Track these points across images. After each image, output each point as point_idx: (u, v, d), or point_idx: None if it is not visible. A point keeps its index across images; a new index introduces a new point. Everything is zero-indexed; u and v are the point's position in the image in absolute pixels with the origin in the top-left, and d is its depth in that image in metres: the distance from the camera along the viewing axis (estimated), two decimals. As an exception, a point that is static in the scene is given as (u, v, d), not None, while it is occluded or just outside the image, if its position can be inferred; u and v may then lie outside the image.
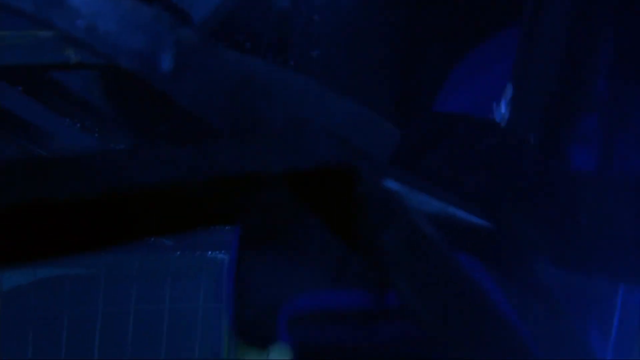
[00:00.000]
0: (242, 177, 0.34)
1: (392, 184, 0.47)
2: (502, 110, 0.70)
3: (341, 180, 0.39)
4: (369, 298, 0.71)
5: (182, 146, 0.35)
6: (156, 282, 2.13)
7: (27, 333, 2.10)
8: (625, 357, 0.76)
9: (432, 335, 0.42)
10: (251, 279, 0.85)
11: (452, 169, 0.63)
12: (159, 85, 0.52)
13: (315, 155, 0.42)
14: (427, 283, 0.42)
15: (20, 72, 0.88)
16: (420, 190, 0.53)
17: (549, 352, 0.61)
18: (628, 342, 0.76)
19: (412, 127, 0.67)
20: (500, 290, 0.62)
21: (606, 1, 0.75)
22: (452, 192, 0.60)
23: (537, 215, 0.64)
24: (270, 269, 0.83)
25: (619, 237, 0.67)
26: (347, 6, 0.80)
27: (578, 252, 0.67)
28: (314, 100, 0.62)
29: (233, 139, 0.50)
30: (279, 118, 0.49)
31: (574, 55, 0.75)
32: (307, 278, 0.79)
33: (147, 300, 2.12)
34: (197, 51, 0.50)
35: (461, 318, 0.42)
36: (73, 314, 2.10)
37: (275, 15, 0.87)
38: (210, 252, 2.11)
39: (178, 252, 2.04)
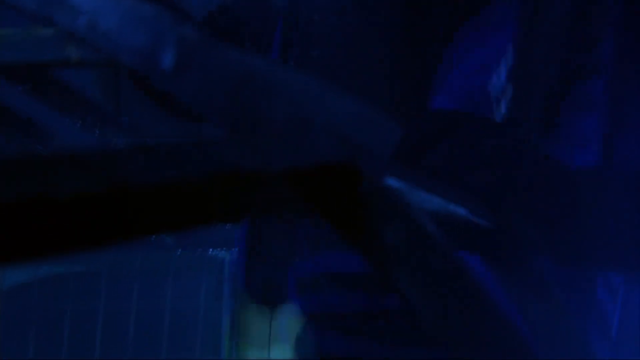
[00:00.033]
0: (243, 175, 0.34)
1: (393, 182, 0.47)
2: (502, 110, 0.70)
3: (342, 178, 0.39)
4: None
5: (183, 144, 0.35)
6: (157, 280, 2.13)
7: (29, 330, 2.10)
8: (626, 357, 0.76)
9: (433, 332, 0.42)
10: (262, 242, 0.85)
11: (452, 168, 0.63)
12: (160, 83, 0.52)
13: (317, 153, 0.42)
14: (428, 281, 0.42)
15: (22, 70, 0.88)
16: (421, 187, 0.53)
17: (549, 350, 0.61)
18: (628, 341, 0.76)
19: (413, 126, 0.67)
20: (501, 288, 0.62)
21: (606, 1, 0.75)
22: (453, 190, 0.60)
23: (537, 214, 0.64)
24: (280, 232, 0.83)
25: (619, 235, 0.67)
26: (347, 5, 0.80)
27: (578, 250, 0.67)
28: (315, 99, 0.62)
29: (234, 137, 0.50)
30: (281, 116, 0.49)
31: (574, 54, 0.75)
32: (317, 240, 0.80)
33: (148, 298, 2.12)
34: (199, 49, 0.50)
35: (462, 316, 0.42)
36: (74, 312, 2.10)
37: (275, 14, 0.87)
38: (211, 250, 2.11)
39: (179, 250, 2.04)
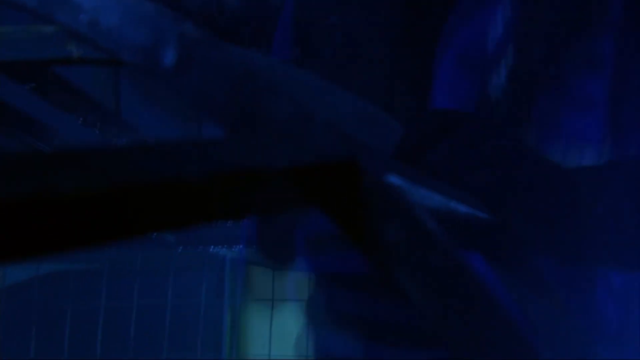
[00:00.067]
0: (244, 172, 0.34)
1: (394, 179, 0.47)
2: (502, 73, 0.70)
3: (344, 176, 0.39)
4: None
5: (184, 142, 0.35)
6: (159, 277, 2.13)
7: (30, 328, 2.10)
8: (626, 357, 0.76)
9: (435, 330, 0.42)
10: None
11: (452, 168, 0.63)
12: (161, 81, 0.52)
13: (318, 151, 0.42)
14: (429, 279, 0.42)
15: (22, 68, 0.88)
16: (422, 185, 0.53)
17: (551, 349, 0.61)
18: (628, 341, 0.76)
19: (414, 125, 0.67)
20: (502, 286, 0.62)
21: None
22: (454, 188, 0.61)
23: (537, 214, 0.64)
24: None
25: (619, 235, 0.67)
26: (347, 4, 0.80)
27: (578, 250, 0.67)
28: (316, 96, 0.62)
29: (235, 135, 0.50)
30: (282, 114, 0.49)
31: (578, 9, 0.74)
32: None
33: (149, 296, 2.13)
34: (200, 45, 0.50)
35: (463, 315, 0.42)
36: (76, 309, 2.11)
37: (275, 13, 0.87)
38: (212, 248, 2.11)
39: (180, 248, 2.04)
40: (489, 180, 0.63)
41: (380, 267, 0.41)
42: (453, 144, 0.64)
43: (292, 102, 0.49)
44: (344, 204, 0.39)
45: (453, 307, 0.42)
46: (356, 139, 0.50)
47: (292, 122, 0.49)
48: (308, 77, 0.67)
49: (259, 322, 2.19)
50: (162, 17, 0.52)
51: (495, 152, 0.65)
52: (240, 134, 0.49)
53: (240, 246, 2.04)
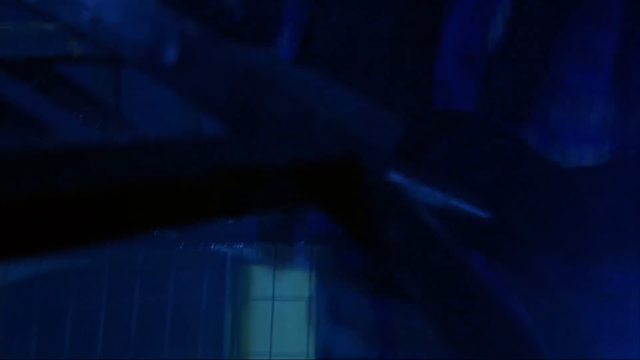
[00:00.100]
0: (245, 170, 0.34)
1: (396, 177, 0.47)
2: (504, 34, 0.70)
3: (345, 174, 0.39)
4: None
5: (185, 140, 0.35)
6: (160, 275, 2.13)
7: (31, 325, 2.10)
8: (626, 357, 0.76)
9: (436, 330, 0.42)
10: None
11: (452, 168, 0.63)
12: (163, 77, 0.52)
13: (319, 149, 0.42)
14: (431, 276, 0.42)
15: (23, 65, 0.88)
16: (423, 182, 0.53)
17: (551, 348, 0.61)
18: (628, 341, 0.76)
19: (414, 123, 0.67)
20: (504, 284, 0.62)
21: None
22: (454, 186, 0.60)
23: (537, 214, 0.64)
24: None
25: (619, 234, 0.67)
26: (349, 3, 0.80)
27: (579, 250, 0.67)
28: (317, 94, 0.62)
29: (236, 132, 0.50)
30: (282, 112, 0.49)
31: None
32: None
33: (150, 293, 2.13)
34: (201, 43, 0.50)
35: (465, 314, 0.42)
36: (77, 307, 2.11)
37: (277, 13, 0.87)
38: (213, 245, 2.11)
39: (181, 245, 2.04)
40: (489, 180, 0.63)
41: (381, 265, 0.41)
42: (453, 144, 0.64)
43: (292, 101, 0.49)
44: (345, 202, 0.39)
45: (454, 306, 0.42)
46: (357, 138, 0.50)
47: (293, 121, 0.49)
48: (308, 76, 0.67)
49: (259, 320, 2.20)
50: (164, 15, 0.52)
51: (495, 152, 0.65)
52: (240, 132, 0.49)
53: (241, 244, 2.04)
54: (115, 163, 0.30)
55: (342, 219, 0.40)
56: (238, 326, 2.24)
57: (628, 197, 0.68)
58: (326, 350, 0.88)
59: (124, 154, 0.31)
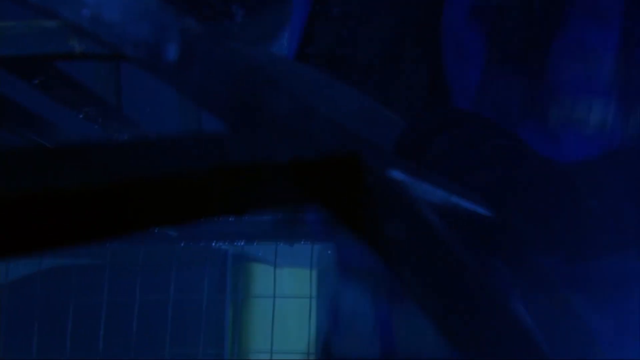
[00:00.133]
0: (246, 167, 0.34)
1: (397, 174, 0.47)
2: None
3: (346, 170, 0.39)
4: None
5: (186, 137, 0.35)
6: (161, 272, 2.13)
7: (32, 323, 2.10)
8: (626, 357, 0.76)
9: (438, 327, 0.42)
10: None
11: (452, 168, 0.63)
12: (164, 75, 0.52)
13: (320, 146, 0.42)
14: (432, 273, 0.42)
15: (24, 63, 0.88)
16: (424, 180, 0.53)
17: (554, 347, 0.61)
18: (629, 341, 0.76)
19: (415, 120, 0.67)
20: (505, 283, 0.62)
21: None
22: (455, 184, 0.60)
23: (537, 214, 0.64)
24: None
25: (620, 234, 0.67)
26: (351, 1, 0.80)
27: (579, 250, 0.67)
28: (319, 90, 0.62)
29: (238, 130, 0.50)
30: (284, 108, 0.49)
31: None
32: None
33: (151, 291, 2.13)
34: (202, 41, 0.50)
35: (467, 310, 0.42)
36: (78, 304, 2.11)
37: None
38: (214, 243, 2.11)
39: (182, 243, 2.04)
40: (489, 180, 0.63)
41: (382, 262, 0.41)
42: (453, 143, 0.64)
43: (293, 99, 0.49)
44: (346, 200, 0.39)
45: (454, 304, 0.42)
46: (357, 136, 0.50)
47: (293, 119, 0.49)
48: (309, 74, 0.67)
49: (260, 317, 2.20)
50: (164, 12, 0.52)
51: (495, 152, 0.65)
52: (241, 130, 0.49)
53: (242, 242, 2.04)
54: (116, 161, 0.30)
55: (342, 216, 0.40)
56: (239, 324, 2.24)
57: (628, 196, 0.68)
58: (326, 349, 0.88)
59: (125, 152, 0.31)
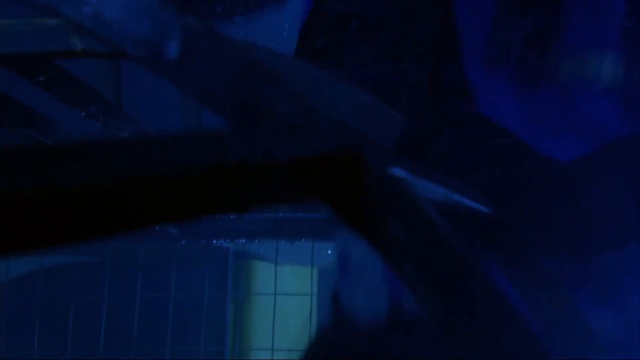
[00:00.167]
0: (247, 165, 0.34)
1: (398, 171, 0.47)
2: None
3: (347, 168, 0.39)
4: None
5: (186, 135, 0.35)
6: (162, 270, 2.13)
7: (33, 321, 2.10)
8: (626, 357, 0.76)
9: (439, 325, 0.42)
10: None
11: (452, 167, 0.63)
12: (165, 73, 0.52)
13: (321, 144, 0.42)
14: (434, 271, 0.42)
15: (25, 61, 0.88)
16: (426, 177, 0.53)
17: (555, 347, 0.61)
18: (629, 341, 0.76)
19: (416, 118, 0.67)
20: (509, 283, 0.62)
21: None
22: (456, 182, 0.60)
23: (537, 214, 0.64)
24: None
25: (620, 234, 0.67)
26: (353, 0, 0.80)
27: (579, 249, 0.67)
28: (320, 88, 0.62)
29: (238, 127, 0.50)
30: (285, 106, 0.49)
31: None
32: None
33: (152, 289, 2.13)
34: (203, 38, 0.50)
35: (469, 309, 0.42)
36: (79, 302, 2.11)
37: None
38: (215, 241, 2.11)
39: (183, 241, 2.04)
40: (489, 180, 0.63)
41: (384, 260, 0.41)
42: (453, 143, 0.64)
43: (294, 96, 0.49)
44: (347, 197, 0.39)
45: (456, 302, 0.42)
46: (359, 133, 0.50)
47: (294, 116, 0.49)
48: (310, 71, 0.67)
49: (262, 315, 2.20)
50: (165, 10, 0.52)
51: (495, 152, 0.65)
52: (242, 127, 0.49)
53: (243, 240, 2.04)
54: (116, 158, 0.30)
55: (344, 214, 0.40)
56: (240, 321, 2.24)
57: (628, 195, 0.68)
58: (335, 297, 0.88)
59: (126, 150, 0.31)
